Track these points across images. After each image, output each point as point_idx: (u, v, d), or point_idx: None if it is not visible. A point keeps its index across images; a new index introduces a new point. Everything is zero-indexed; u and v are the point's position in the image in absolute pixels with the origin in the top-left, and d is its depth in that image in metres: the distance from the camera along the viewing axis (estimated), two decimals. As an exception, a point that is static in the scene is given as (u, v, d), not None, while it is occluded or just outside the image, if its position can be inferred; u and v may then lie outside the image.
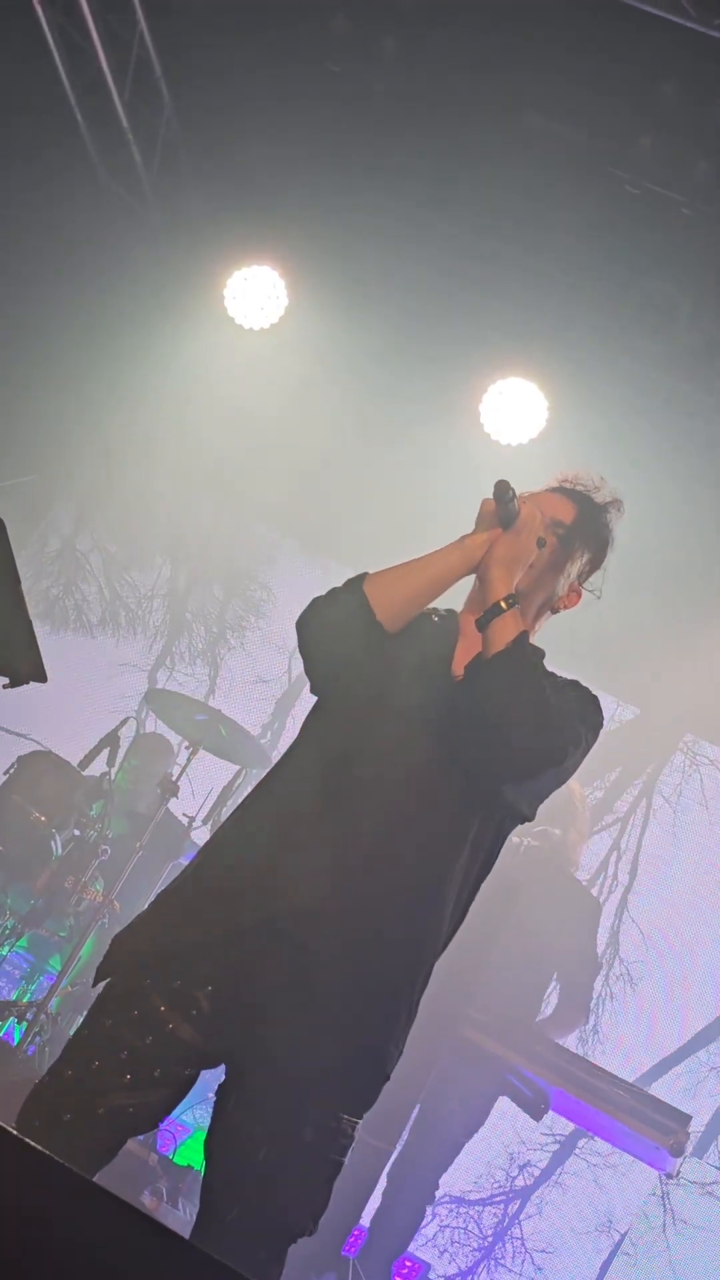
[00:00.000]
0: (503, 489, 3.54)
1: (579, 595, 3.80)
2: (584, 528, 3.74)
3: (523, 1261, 10.30)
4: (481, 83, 7.42)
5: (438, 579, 3.58)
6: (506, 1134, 9.24)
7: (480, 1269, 10.09)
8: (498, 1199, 10.51)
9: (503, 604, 3.47)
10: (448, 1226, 10.24)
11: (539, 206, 7.83)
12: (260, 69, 7.87)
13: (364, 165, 8.12)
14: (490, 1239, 10.36)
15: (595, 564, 3.83)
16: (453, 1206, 10.11)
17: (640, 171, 7.42)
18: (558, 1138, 10.64)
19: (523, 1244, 10.31)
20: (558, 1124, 10.21)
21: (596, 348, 8.20)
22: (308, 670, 3.63)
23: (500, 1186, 10.51)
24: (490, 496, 3.57)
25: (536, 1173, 10.66)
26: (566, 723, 3.44)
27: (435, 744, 3.46)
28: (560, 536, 3.69)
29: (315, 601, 3.60)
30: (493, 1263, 10.26)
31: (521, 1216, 10.46)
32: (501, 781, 3.48)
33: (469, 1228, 10.27)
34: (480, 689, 3.43)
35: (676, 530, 8.45)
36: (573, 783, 7.85)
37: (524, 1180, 10.60)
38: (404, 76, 7.64)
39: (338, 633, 3.55)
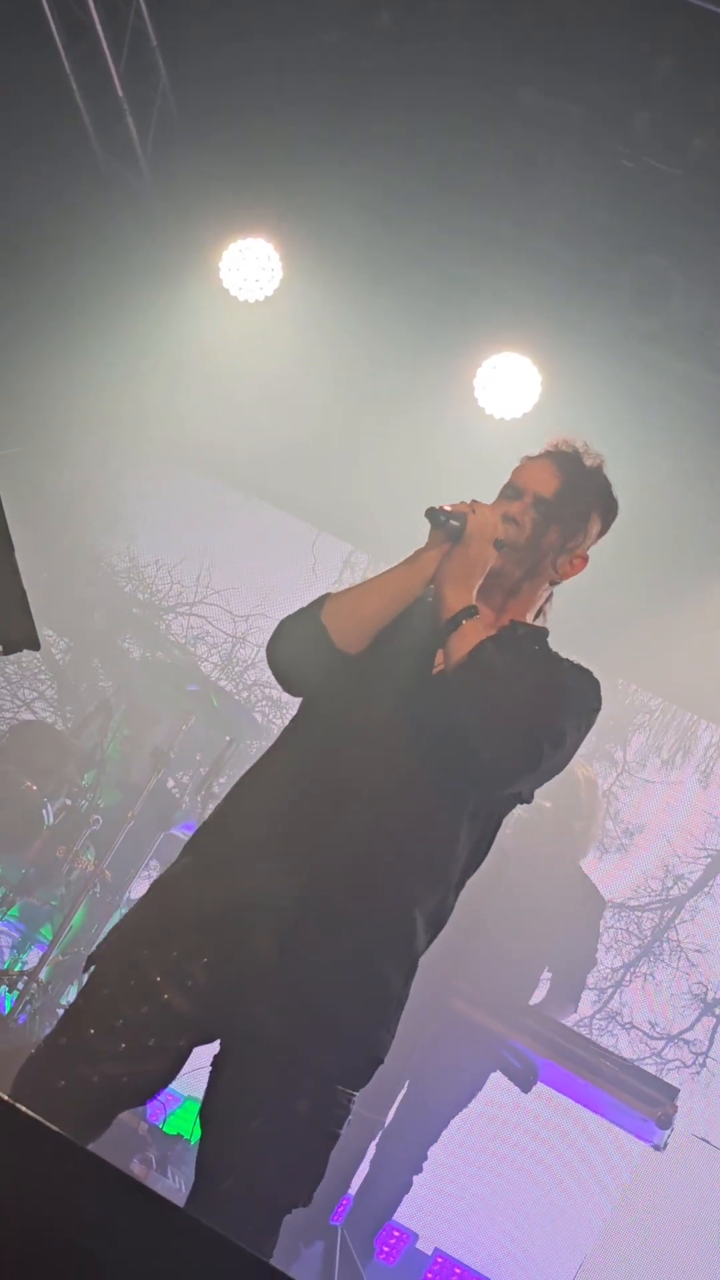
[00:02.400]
0: (432, 515, 3.55)
1: (583, 561, 3.77)
2: (569, 496, 3.72)
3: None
4: (478, 57, 7.40)
5: (394, 600, 3.60)
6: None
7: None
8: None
9: (459, 617, 3.48)
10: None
11: (534, 181, 7.80)
12: (257, 41, 7.83)
13: (359, 138, 8.10)
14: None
15: (597, 525, 3.80)
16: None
17: (636, 146, 7.40)
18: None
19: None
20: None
21: (590, 323, 8.18)
22: (283, 689, 3.69)
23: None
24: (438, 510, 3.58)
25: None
26: (542, 725, 3.43)
27: (417, 735, 3.48)
28: (540, 511, 3.68)
29: (280, 628, 3.65)
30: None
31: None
32: (478, 791, 3.51)
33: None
34: (441, 704, 3.44)
35: (669, 507, 8.46)
36: (581, 770, 7.88)
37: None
38: (400, 49, 7.61)
39: (301, 663, 3.62)
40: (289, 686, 3.68)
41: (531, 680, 3.49)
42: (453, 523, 3.54)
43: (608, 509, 3.81)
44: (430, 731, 3.46)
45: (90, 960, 3.43)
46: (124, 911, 3.66)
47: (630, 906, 12.26)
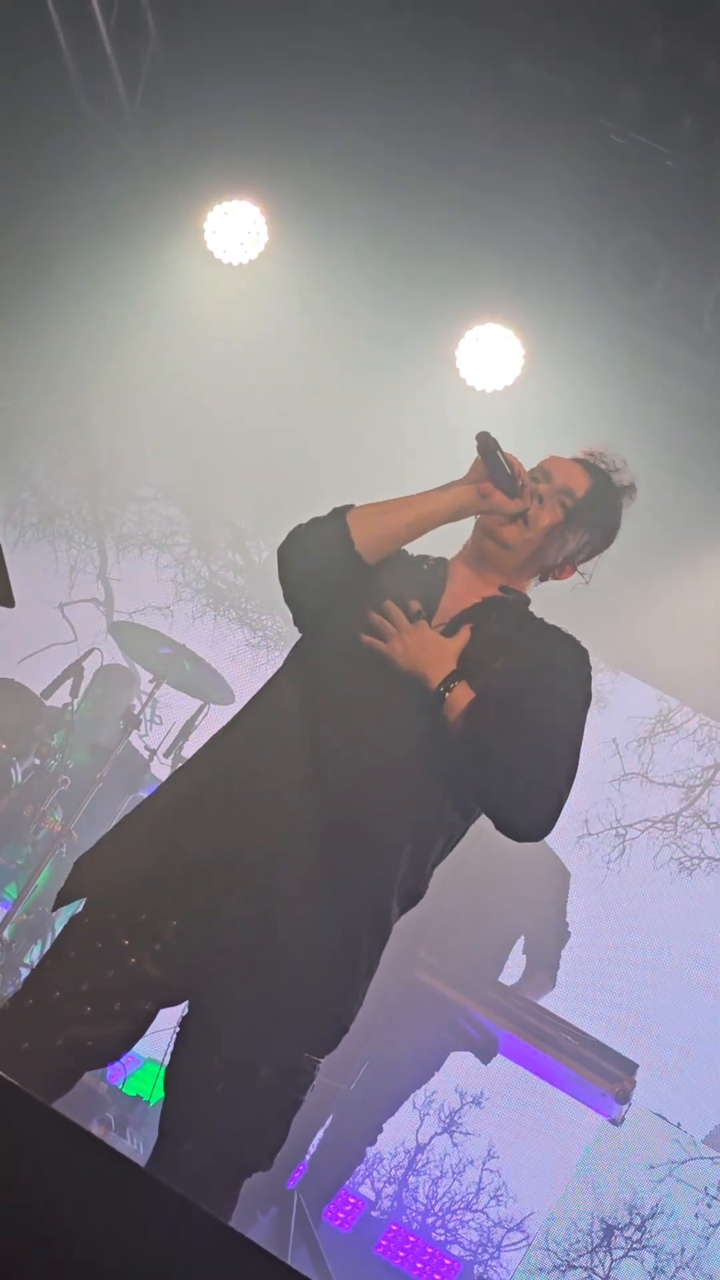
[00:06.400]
0: (485, 442, 3.54)
1: (573, 569, 3.79)
2: (593, 504, 3.74)
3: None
4: (470, 28, 7.37)
5: (418, 521, 3.60)
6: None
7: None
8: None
9: (442, 689, 3.44)
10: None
11: (522, 154, 7.78)
12: (250, 4, 7.80)
13: (348, 105, 8.06)
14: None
15: (595, 545, 3.82)
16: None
17: (626, 123, 7.38)
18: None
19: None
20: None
21: (575, 298, 8.17)
22: (287, 597, 3.66)
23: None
24: (479, 445, 3.57)
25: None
26: (560, 772, 3.43)
27: (409, 697, 3.47)
28: (568, 508, 3.69)
29: (297, 527, 3.64)
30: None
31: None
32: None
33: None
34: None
35: (647, 486, 8.44)
36: None
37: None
38: (392, 18, 7.57)
39: (316, 556, 3.59)
40: (297, 583, 3.63)
41: (535, 713, 3.44)
42: (507, 470, 3.56)
43: (610, 535, 3.85)
44: (415, 699, 3.45)
45: (60, 899, 3.40)
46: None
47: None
